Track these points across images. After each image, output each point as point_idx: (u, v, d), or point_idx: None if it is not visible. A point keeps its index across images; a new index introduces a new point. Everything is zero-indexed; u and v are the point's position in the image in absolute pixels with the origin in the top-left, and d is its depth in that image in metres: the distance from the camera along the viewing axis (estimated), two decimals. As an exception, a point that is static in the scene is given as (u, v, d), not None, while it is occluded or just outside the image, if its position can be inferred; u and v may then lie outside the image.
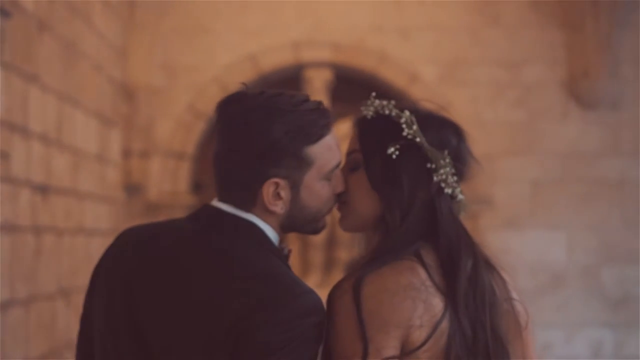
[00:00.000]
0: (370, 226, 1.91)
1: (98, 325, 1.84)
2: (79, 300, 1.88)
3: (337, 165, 1.88)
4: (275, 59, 7.53)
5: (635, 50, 7.39)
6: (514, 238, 7.42)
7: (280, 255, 1.84)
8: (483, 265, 1.85)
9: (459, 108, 7.07)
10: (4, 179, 4.26)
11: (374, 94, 1.97)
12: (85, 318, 1.90)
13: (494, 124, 7.46)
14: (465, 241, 1.86)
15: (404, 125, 1.88)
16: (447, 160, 1.88)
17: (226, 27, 7.46)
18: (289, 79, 7.44)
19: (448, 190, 1.87)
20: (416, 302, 1.75)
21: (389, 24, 7.51)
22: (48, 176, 4.96)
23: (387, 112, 1.91)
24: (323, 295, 1.80)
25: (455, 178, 1.88)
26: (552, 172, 7.49)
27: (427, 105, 1.97)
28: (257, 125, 1.79)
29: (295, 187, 1.82)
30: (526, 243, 7.44)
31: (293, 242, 8.21)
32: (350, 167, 1.93)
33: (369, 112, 1.93)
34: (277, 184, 1.80)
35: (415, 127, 1.88)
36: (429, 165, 1.87)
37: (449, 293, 1.79)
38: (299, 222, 1.87)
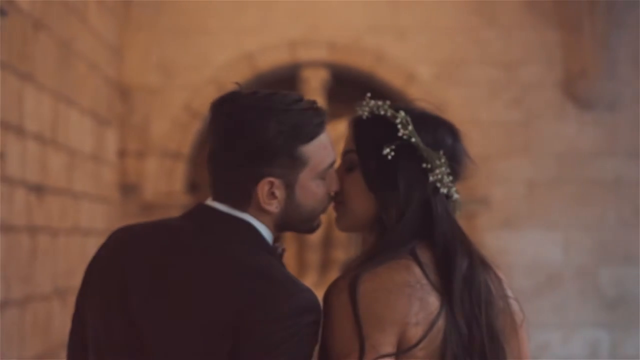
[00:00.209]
0: (367, 226, 1.92)
1: (93, 324, 1.84)
2: (75, 301, 1.87)
3: (332, 164, 1.88)
4: (272, 58, 7.52)
5: (632, 51, 7.38)
6: (510, 238, 7.41)
7: (274, 254, 1.85)
8: (479, 264, 1.86)
9: (456, 108, 7.07)
10: (-2, 179, 4.25)
11: (369, 94, 1.98)
12: (78, 317, 1.90)
13: (490, 124, 7.45)
14: (461, 240, 1.87)
15: (399, 126, 1.89)
16: (443, 160, 1.88)
17: (222, 26, 7.45)
18: (286, 79, 7.42)
19: (444, 190, 1.88)
20: (412, 300, 1.76)
21: (386, 23, 7.50)
22: (43, 176, 4.95)
23: (382, 112, 1.92)
24: (319, 295, 1.80)
25: (450, 178, 1.89)
26: (548, 172, 7.48)
27: (423, 105, 1.98)
28: (251, 125, 1.80)
29: (289, 186, 1.82)
30: (523, 243, 7.44)
31: (289, 242, 8.19)
32: (346, 167, 1.93)
33: (364, 112, 1.94)
34: (271, 183, 1.81)
35: (410, 127, 1.88)
36: (424, 165, 1.88)
37: (445, 292, 1.80)
38: (294, 221, 1.87)
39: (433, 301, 1.78)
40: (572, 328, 7.39)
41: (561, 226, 7.45)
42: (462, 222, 1.92)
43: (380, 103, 1.93)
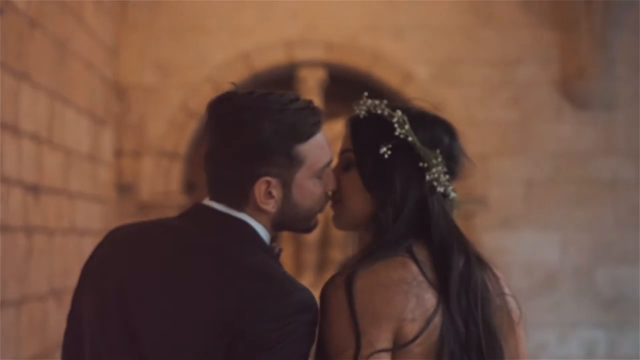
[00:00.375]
0: (363, 225, 1.93)
1: (89, 324, 1.83)
2: (71, 301, 1.88)
3: (328, 164, 1.89)
4: (269, 58, 7.51)
5: (629, 50, 7.38)
6: (507, 238, 7.41)
7: (271, 254, 1.85)
8: (475, 261, 1.87)
9: (452, 108, 7.06)
10: (-6, 178, 4.24)
11: (366, 93, 1.98)
12: (73, 316, 1.90)
13: (487, 124, 7.45)
14: (458, 238, 1.88)
15: (396, 125, 1.90)
16: (439, 159, 1.89)
17: (219, 26, 7.44)
18: (282, 78, 7.42)
19: (440, 189, 1.89)
20: (408, 296, 1.77)
21: (382, 23, 7.50)
22: (39, 175, 4.94)
23: (379, 111, 1.93)
24: (316, 295, 1.81)
25: (447, 177, 1.90)
26: (545, 172, 7.48)
27: (420, 104, 1.99)
28: (247, 125, 1.80)
29: (286, 186, 1.83)
30: (520, 243, 7.44)
31: (286, 242, 8.20)
32: (343, 166, 1.94)
33: (361, 111, 1.95)
34: (268, 183, 1.81)
35: (407, 126, 1.90)
36: (421, 164, 1.89)
37: (442, 289, 1.81)
38: (291, 221, 1.88)
39: (429, 298, 1.79)
40: (569, 328, 7.39)
41: (558, 226, 7.45)
42: (459, 222, 1.93)
43: (377, 102, 1.94)
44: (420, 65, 7.49)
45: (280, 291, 1.73)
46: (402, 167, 1.88)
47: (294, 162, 1.82)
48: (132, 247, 1.84)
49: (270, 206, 1.83)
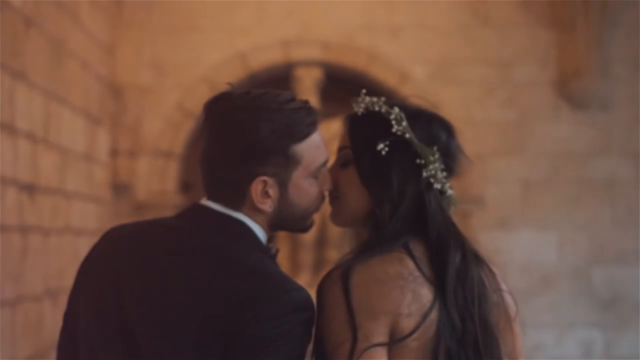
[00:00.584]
0: (361, 221, 1.94)
1: (85, 324, 1.83)
2: (66, 300, 1.87)
3: (325, 163, 1.90)
4: (265, 57, 7.51)
5: (626, 50, 7.38)
6: (504, 238, 7.41)
7: (268, 254, 1.86)
8: (472, 258, 1.88)
9: (449, 107, 7.05)
10: (-11, 178, 4.23)
11: (364, 90, 1.99)
12: (69, 316, 1.90)
13: (484, 124, 7.45)
14: (454, 235, 1.89)
15: (393, 122, 1.91)
16: (437, 156, 1.90)
17: (215, 25, 7.43)
18: (279, 78, 7.41)
19: (437, 186, 1.90)
20: (404, 291, 1.79)
21: (379, 23, 7.49)
22: (35, 175, 4.92)
23: (377, 108, 1.94)
24: (313, 294, 1.82)
25: (444, 174, 1.92)
26: (542, 172, 7.48)
27: (418, 101, 2.00)
28: (243, 124, 1.81)
29: (283, 185, 1.83)
30: (517, 243, 7.44)
31: (283, 242, 8.19)
32: (340, 163, 1.96)
33: (359, 108, 1.96)
34: (265, 182, 1.82)
35: (404, 123, 1.90)
36: (418, 161, 1.90)
37: (438, 285, 1.82)
38: (287, 220, 1.88)
39: (426, 293, 1.80)
40: (565, 328, 7.39)
41: (555, 226, 7.45)
42: (456, 222, 1.94)
43: (375, 99, 1.95)
44: (417, 65, 7.49)
45: (277, 290, 1.74)
46: (399, 163, 1.89)
47: (290, 161, 1.82)
48: (128, 247, 1.84)
49: (267, 206, 1.83)
